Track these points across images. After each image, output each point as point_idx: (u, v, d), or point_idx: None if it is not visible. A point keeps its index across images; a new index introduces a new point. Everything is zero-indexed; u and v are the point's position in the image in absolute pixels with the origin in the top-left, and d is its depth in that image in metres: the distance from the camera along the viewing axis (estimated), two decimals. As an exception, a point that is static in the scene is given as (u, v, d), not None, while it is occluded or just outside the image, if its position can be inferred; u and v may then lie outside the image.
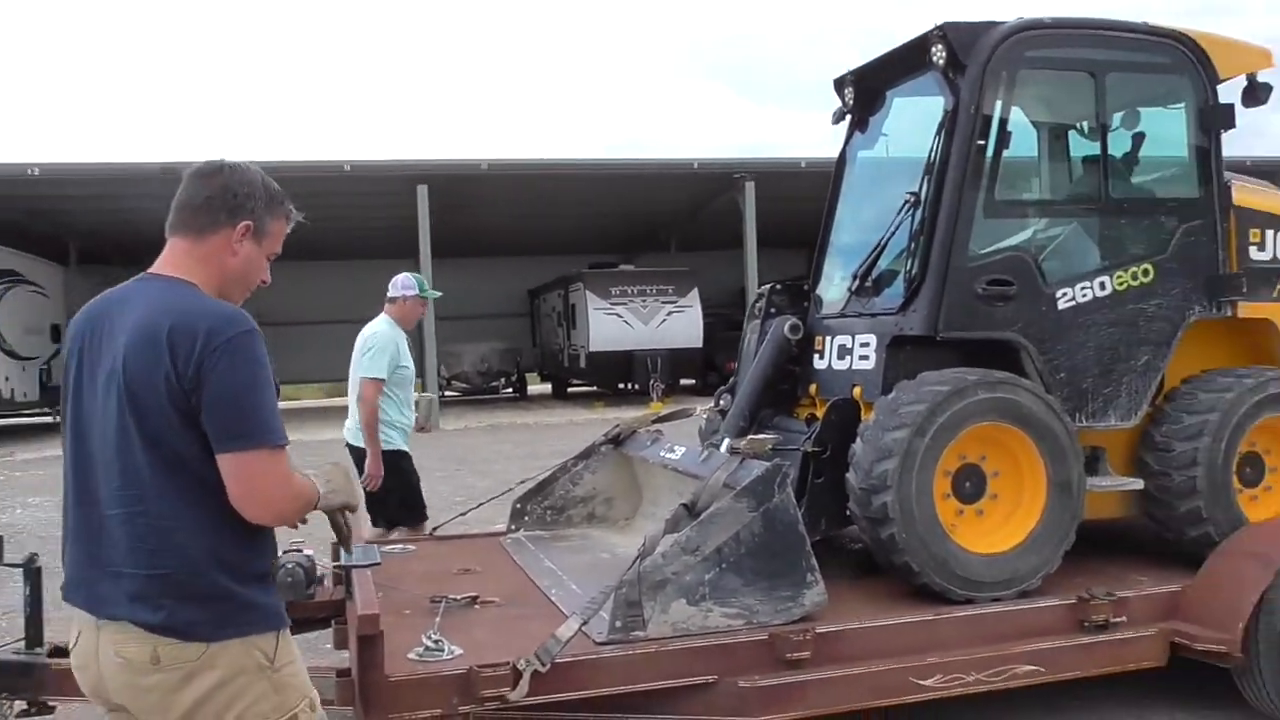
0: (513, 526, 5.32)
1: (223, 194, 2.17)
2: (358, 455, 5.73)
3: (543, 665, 3.24)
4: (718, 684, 3.48)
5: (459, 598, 4.01)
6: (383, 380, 5.64)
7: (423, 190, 19.79)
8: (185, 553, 2.03)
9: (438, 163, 20.84)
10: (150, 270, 2.20)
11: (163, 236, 2.21)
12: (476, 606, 4.02)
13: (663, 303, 23.81)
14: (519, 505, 5.38)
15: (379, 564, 3.21)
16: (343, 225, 24.40)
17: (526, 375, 29.66)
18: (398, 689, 3.14)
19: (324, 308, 30.38)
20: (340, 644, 4.05)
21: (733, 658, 3.52)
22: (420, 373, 23.53)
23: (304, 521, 2.26)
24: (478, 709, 3.24)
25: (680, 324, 23.68)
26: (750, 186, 21.59)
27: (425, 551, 5.11)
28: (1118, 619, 3.96)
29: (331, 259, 29.32)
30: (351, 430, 5.85)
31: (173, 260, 2.18)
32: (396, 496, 5.72)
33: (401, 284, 5.93)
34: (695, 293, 24.05)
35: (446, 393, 27.65)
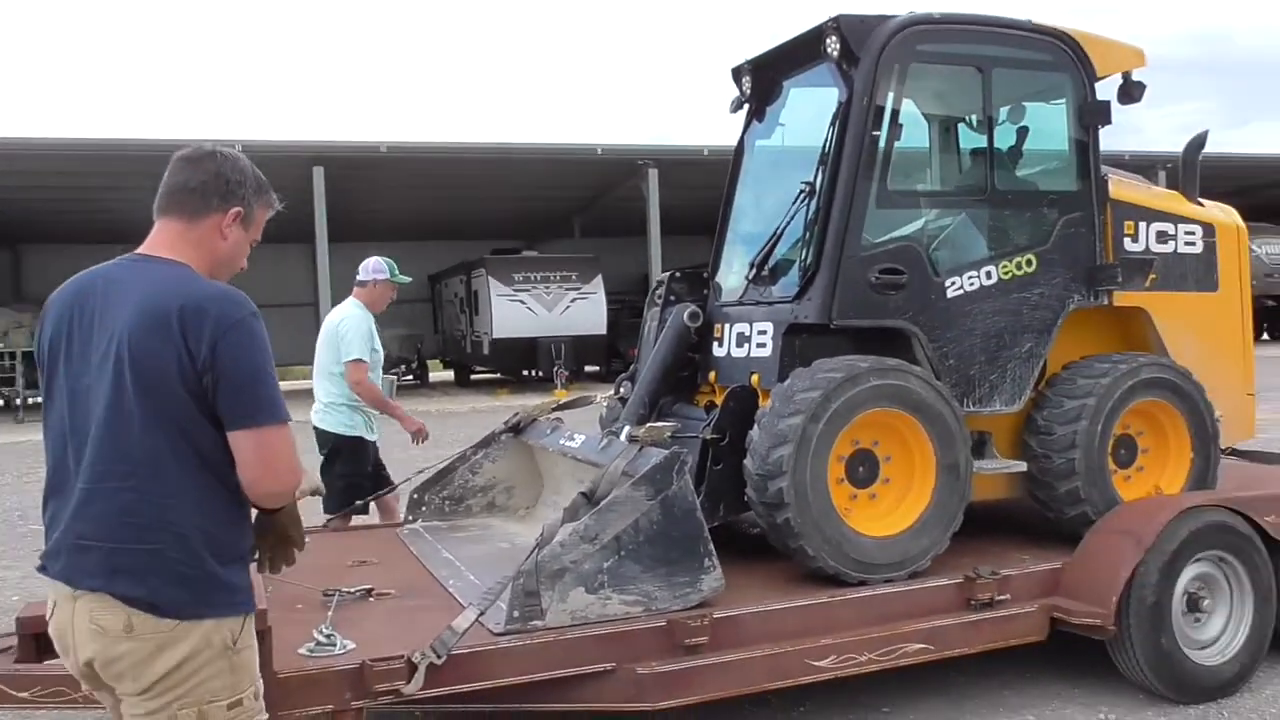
0: (410, 517, 5.25)
1: (216, 179, 2.24)
2: (324, 439, 5.79)
3: (438, 657, 3.21)
4: (616, 671, 3.50)
5: (353, 590, 3.94)
6: (365, 360, 5.67)
7: (318, 172, 19.29)
8: (177, 530, 2.08)
9: (334, 144, 20.35)
10: (140, 251, 2.24)
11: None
12: (371, 599, 3.95)
13: (566, 289, 23.72)
14: (417, 495, 5.30)
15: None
16: (235, 208, 23.52)
17: (428, 362, 29.23)
18: (286, 686, 3.06)
19: (215, 293, 29.36)
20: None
21: (631, 645, 3.54)
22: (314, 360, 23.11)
23: None
24: (372, 704, 3.19)
25: (584, 311, 23.63)
26: (654, 173, 21.64)
27: (319, 544, 4.96)
28: (1002, 596, 4.10)
29: (223, 242, 28.36)
30: (317, 412, 5.84)
31: (165, 242, 2.23)
32: (343, 482, 5.66)
33: (372, 268, 5.92)
34: (599, 279, 24.03)
35: (345, 380, 27.09)
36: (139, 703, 2.11)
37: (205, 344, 2.05)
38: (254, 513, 2.31)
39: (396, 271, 5.96)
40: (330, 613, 3.57)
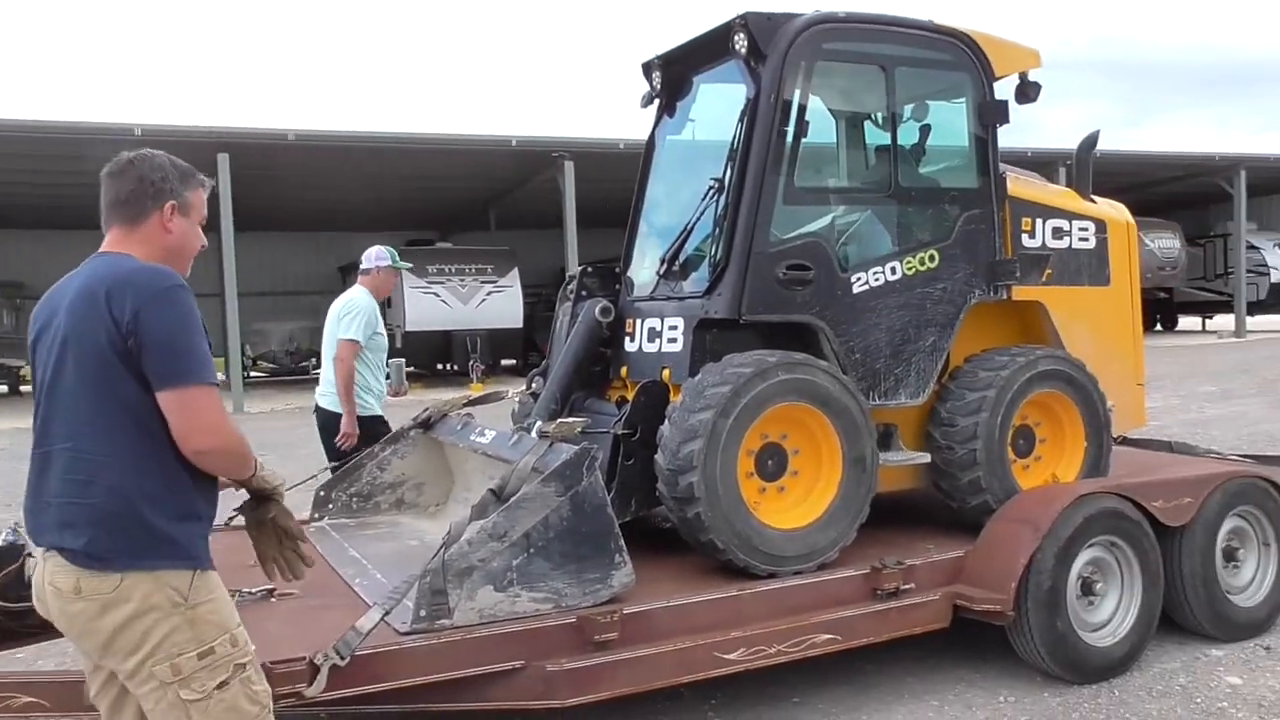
0: (316, 515, 5.13)
1: (141, 184, 2.47)
2: (324, 418, 5.94)
3: (342, 659, 3.15)
4: (525, 669, 3.48)
5: (254, 591, 3.84)
6: (359, 343, 5.85)
7: (223, 159, 18.65)
8: (114, 485, 2.29)
9: (240, 130, 19.68)
10: (98, 251, 2.49)
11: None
12: (273, 600, 3.86)
13: (482, 282, 23.47)
14: (323, 492, 5.19)
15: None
16: (135, 196, 22.66)
17: (339, 355, 28.61)
18: (182, 694, 2.97)
19: (115, 284, 28.33)
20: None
21: (540, 642, 3.52)
22: (222, 352, 22.43)
23: None
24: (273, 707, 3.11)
25: (500, 304, 23.42)
26: (570, 166, 21.47)
27: (222, 543, 4.77)
28: (907, 585, 4.18)
29: (123, 232, 27.31)
30: (324, 394, 5.99)
31: (114, 242, 2.48)
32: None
33: (374, 256, 6.22)
34: (515, 272, 23.83)
35: (252, 373, 26.40)
36: (116, 664, 2.34)
37: (129, 311, 2.26)
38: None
39: (397, 258, 6.29)
40: (230, 616, 3.46)
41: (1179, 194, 30.75)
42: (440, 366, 24.07)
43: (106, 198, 2.50)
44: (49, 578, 2.34)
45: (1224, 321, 30.49)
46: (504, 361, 24.53)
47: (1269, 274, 29.22)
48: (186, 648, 2.33)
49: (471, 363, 22.01)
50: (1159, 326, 32.75)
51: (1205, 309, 31.71)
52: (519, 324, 23.55)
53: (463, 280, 23.20)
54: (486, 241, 26.81)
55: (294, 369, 27.18)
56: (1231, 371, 18.22)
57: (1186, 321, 33.02)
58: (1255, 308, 29.25)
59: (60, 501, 2.32)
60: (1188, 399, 14.36)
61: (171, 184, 2.50)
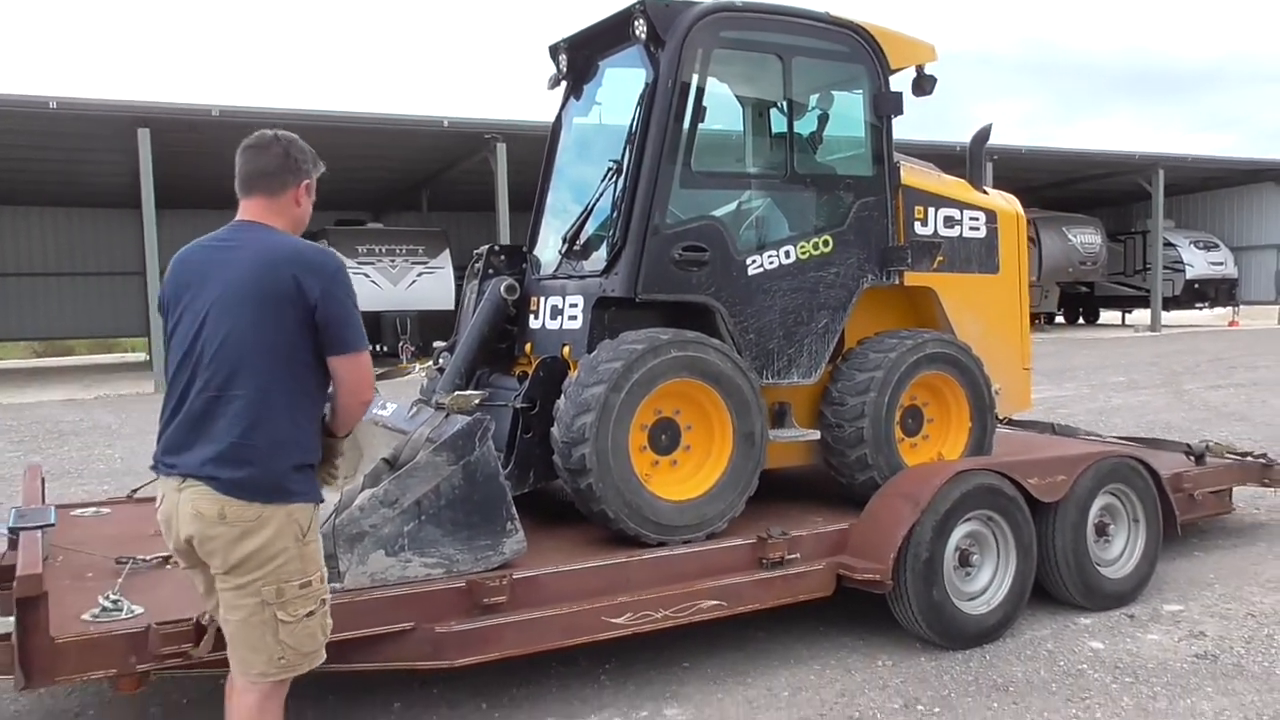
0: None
1: (286, 160, 2.79)
2: None
3: (228, 620, 3.22)
4: (414, 630, 3.58)
5: (148, 558, 3.88)
6: None
7: (144, 134, 18.25)
8: (274, 431, 2.62)
9: (161, 105, 19.20)
10: (241, 219, 2.78)
11: None
12: (168, 567, 3.89)
13: (413, 263, 23.32)
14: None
15: (53, 525, 3.07)
16: (49, 169, 22.09)
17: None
18: (62, 651, 3.02)
19: (31, 259, 27.67)
20: (8, 610, 3.82)
21: (430, 605, 3.63)
22: (144, 331, 21.93)
23: None
24: (158, 667, 3.18)
25: (431, 285, 23.28)
26: (502, 148, 21.37)
27: (121, 515, 4.86)
28: (792, 555, 4.37)
29: (37, 205, 26.66)
30: None
31: (258, 212, 2.77)
32: None
33: None
34: (447, 254, 23.70)
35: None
36: (228, 579, 2.64)
37: (317, 291, 2.61)
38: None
39: None
40: (119, 580, 3.51)
41: (1102, 191, 31.62)
42: (371, 347, 23.87)
43: (248, 168, 2.78)
44: (190, 504, 2.61)
45: (1142, 316, 31.41)
46: (435, 343, 24.31)
47: (1184, 270, 30.18)
48: (294, 577, 2.66)
49: (401, 344, 21.86)
50: (1081, 320, 33.68)
51: (1125, 303, 32.65)
52: (450, 305, 23.38)
53: (393, 261, 23.03)
54: (419, 223, 26.60)
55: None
56: (1141, 364, 18.86)
57: (1107, 315, 33.99)
58: (1171, 303, 30.21)
59: (227, 440, 2.59)
60: (1097, 389, 14.87)
61: (308, 164, 2.84)
